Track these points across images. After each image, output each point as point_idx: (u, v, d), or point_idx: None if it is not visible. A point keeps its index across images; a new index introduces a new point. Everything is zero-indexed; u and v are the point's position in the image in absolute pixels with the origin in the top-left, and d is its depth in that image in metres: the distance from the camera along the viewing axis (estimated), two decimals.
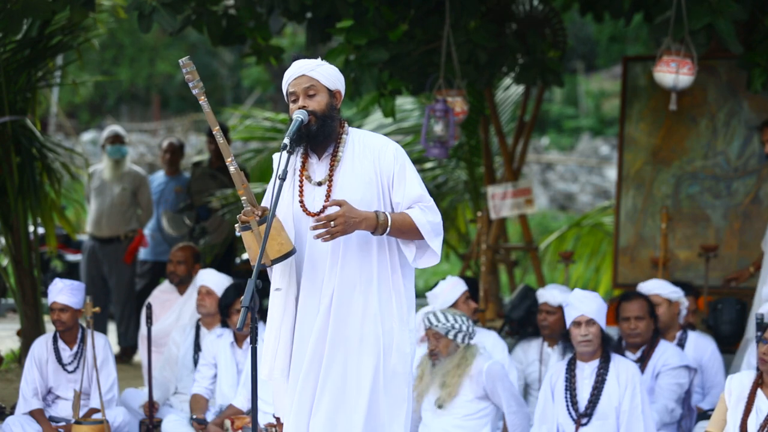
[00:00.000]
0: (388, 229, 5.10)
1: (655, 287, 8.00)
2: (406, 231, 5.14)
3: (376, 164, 5.22)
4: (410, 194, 5.21)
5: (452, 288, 7.82)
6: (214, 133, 5.16)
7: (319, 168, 5.28)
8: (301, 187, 5.26)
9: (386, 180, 5.22)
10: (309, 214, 5.21)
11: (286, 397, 5.30)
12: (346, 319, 5.21)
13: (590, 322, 7.03)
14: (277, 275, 5.27)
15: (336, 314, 5.20)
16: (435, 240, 5.19)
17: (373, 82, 8.83)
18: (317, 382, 5.22)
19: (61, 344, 8.02)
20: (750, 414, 6.43)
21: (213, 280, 8.42)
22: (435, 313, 7.27)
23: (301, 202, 5.24)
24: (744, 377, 6.58)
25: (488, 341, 7.82)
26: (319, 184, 5.25)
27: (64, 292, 7.87)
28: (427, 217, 5.17)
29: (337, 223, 5.00)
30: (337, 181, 5.22)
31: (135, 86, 30.04)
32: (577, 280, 13.04)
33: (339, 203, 5.04)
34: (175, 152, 12.07)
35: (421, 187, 5.23)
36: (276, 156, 5.25)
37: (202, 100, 5.14)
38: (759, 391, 6.48)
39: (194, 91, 5.14)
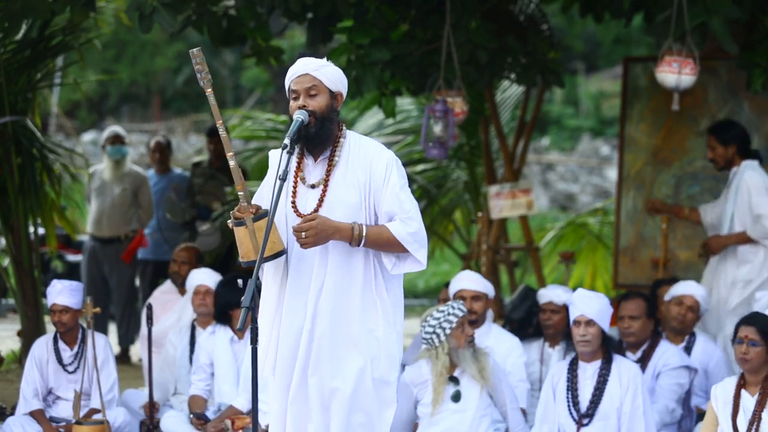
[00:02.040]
0: (363, 241, 5.16)
1: (691, 289, 8.05)
2: (383, 245, 5.20)
3: (368, 170, 5.25)
4: (390, 204, 5.23)
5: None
6: (217, 125, 5.20)
7: (314, 170, 5.30)
8: (294, 188, 5.28)
9: (374, 186, 5.24)
10: (300, 216, 5.24)
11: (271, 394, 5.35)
12: (331, 322, 5.24)
13: (590, 322, 7.02)
14: (269, 275, 5.31)
15: (322, 318, 5.24)
16: (420, 251, 5.22)
17: (374, 82, 8.84)
18: (308, 389, 5.26)
19: (61, 345, 8.02)
20: (738, 414, 6.54)
21: (210, 279, 8.46)
22: (460, 303, 7.27)
23: (293, 203, 5.26)
24: (727, 383, 6.70)
25: (499, 336, 7.88)
26: (313, 186, 5.27)
27: (64, 293, 7.86)
28: (407, 229, 5.19)
29: (308, 235, 5.09)
30: (331, 185, 5.24)
31: (136, 84, 30.04)
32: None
33: (312, 217, 5.12)
34: (164, 151, 12.10)
35: (405, 196, 5.23)
36: (273, 153, 5.33)
37: (209, 92, 5.17)
38: (743, 391, 6.61)
39: (202, 83, 5.16)
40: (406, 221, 5.19)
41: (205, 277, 8.49)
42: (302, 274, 5.24)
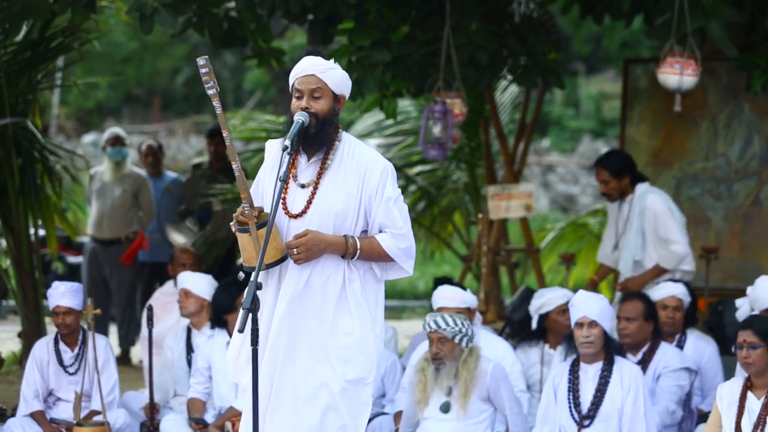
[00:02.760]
0: (358, 253, 5.22)
1: (670, 290, 8.01)
2: (375, 257, 5.27)
3: (361, 178, 5.27)
4: (382, 217, 5.27)
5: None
6: (224, 135, 5.21)
7: (306, 170, 5.31)
8: (286, 185, 5.29)
9: (367, 196, 5.28)
10: (288, 214, 5.26)
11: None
12: (301, 326, 5.25)
13: (592, 324, 7.02)
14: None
15: (290, 321, 5.24)
16: (408, 262, 5.31)
17: (375, 84, 8.85)
18: (272, 388, 5.25)
19: (62, 346, 8.02)
20: (743, 416, 6.53)
21: (191, 281, 8.47)
22: (442, 316, 7.18)
23: (284, 200, 5.28)
24: (733, 383, 6.69)
25: (489, 341, 7.83)
26: (303, 186, 5.29)
27: (66, 296, 7.87)
28: (398, 244, 5.26)
29: (300, 251, 5.16)
30: (321, 187, 5.26)
31: (140, 85, 30.07)
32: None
33: (303, 233, 5.16)
34: (156, 154, 12.11)
35: (397, 211, 5.28)
36: (269, 144, 5.37)
37: (216, 102, 5.17)
38: (749, 393, 6.61)
39: (209, 92, 5.17)
40: (398, 237, 5.26)
41: (183, 279, 8.52)
42: (277, 275, 5.27)
